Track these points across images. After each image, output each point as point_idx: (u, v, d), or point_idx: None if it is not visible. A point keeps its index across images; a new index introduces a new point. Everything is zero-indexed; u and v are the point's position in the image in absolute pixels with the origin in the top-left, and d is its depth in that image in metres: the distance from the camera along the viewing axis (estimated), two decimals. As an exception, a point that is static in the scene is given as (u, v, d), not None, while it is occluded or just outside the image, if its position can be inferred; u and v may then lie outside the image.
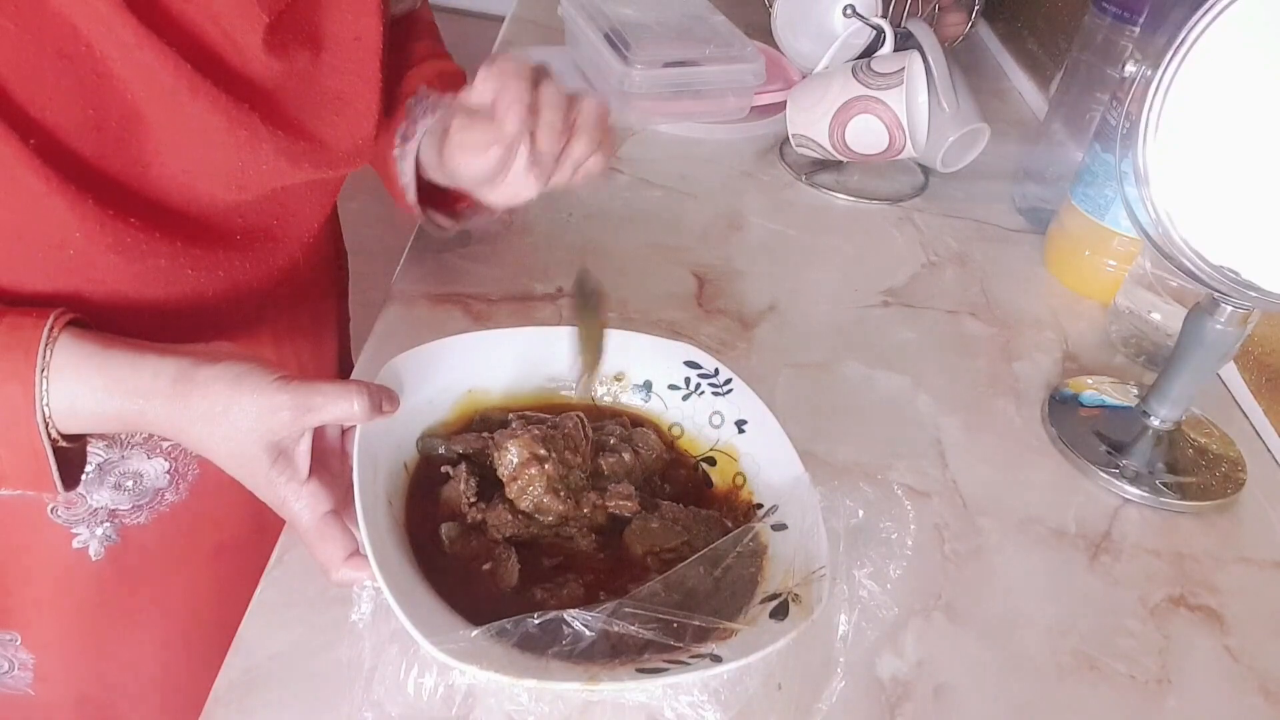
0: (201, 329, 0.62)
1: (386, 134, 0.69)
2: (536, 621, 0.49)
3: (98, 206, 0.51)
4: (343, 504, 0.52)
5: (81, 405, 0.49)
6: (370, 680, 0.51)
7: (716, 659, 0.49)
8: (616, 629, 0.49)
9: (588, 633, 0.49)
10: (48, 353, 0.48)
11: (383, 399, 0.51)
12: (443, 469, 0.61)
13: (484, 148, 0.59)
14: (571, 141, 0.60)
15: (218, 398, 0.48)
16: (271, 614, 0.55)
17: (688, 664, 0.49)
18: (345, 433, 0.56)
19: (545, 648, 0.49)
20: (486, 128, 0.59)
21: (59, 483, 0.51)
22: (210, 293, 0.60)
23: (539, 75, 0.59)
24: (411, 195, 0.70)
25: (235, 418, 0.48)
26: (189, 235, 0.57)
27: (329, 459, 0.54)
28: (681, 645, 0.50)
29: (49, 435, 0.49)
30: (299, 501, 0.51)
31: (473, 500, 0.59)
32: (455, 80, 0.72)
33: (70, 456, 0.53)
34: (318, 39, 0.58)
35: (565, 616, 0.49)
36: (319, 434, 0.53)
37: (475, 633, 0.48)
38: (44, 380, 0.48)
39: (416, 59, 0.73)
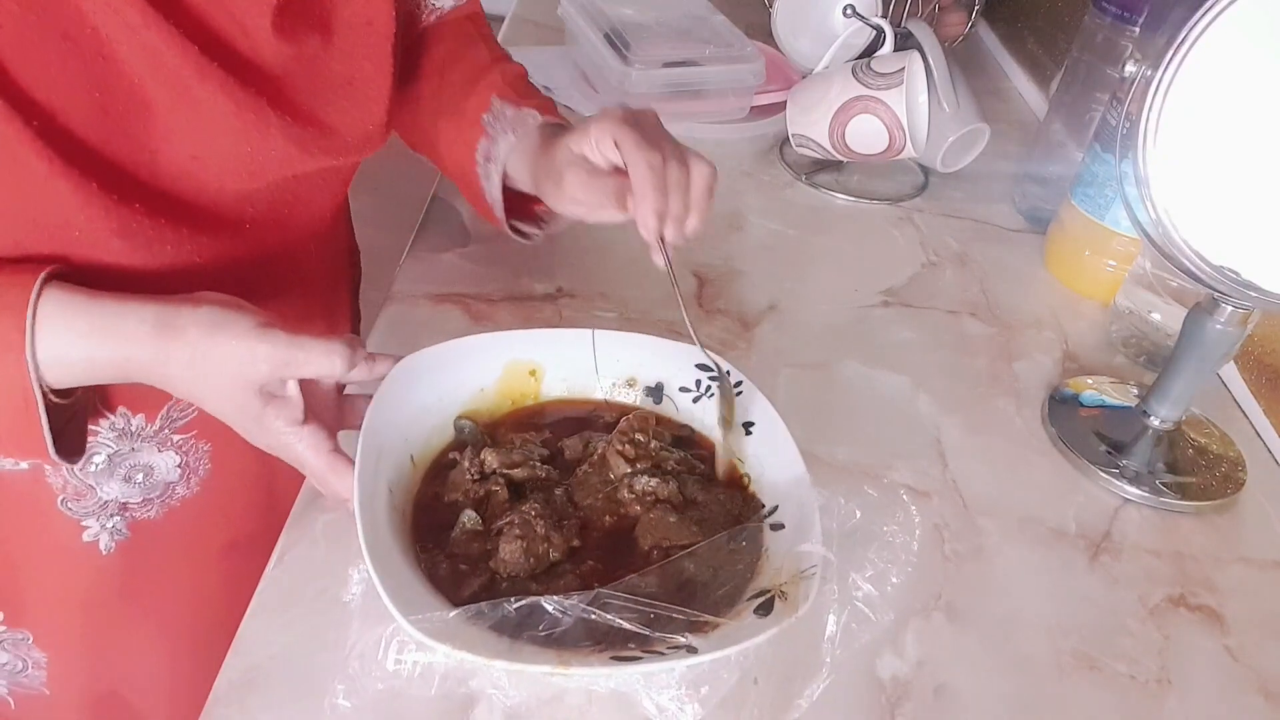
0: None
1: (466, 148, 0.69)
2: (514, 606, 0.50)
3: (101, 191, 0.51)
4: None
5: (69, 354, 0.49)
6: (350, 655, 0.51)
7: (692, 650, 0.49)
8: (594, 617, 0.50)
9: (564, 618, 0.50)
10: (37, 304, 0.48)
11: (365, 358, 0.52)
12: (450, 455, 0.62)
13: (596, 208, 0.62)
14: (686, 213, 0.60)
15: (198, 343, 0.49)
16: (271, 614, 0.55)
17: (663, 654, 0.49)
18: (339, 390, 0.56)
19: (521, 632, 0.50)
20: (603, 189, 0.60)
21: (49, 440, 0.51)
22: (217, 280, 0.60)
23: (656, 140, 0.59)
24: (500, 212, 0.70)
25: (215, 363, 0.49)
26: (197, 222, 0.57)
27: (322, 412, 0.54)
28: (659, 635, 0.50)
29: (40, 387, 0.49)
30: (301, 442, 0.51)
31: (475, 478, 0.60)
32: (521, 83, 0.72)
33: (67, 430, 0.52)
34: (328, 24, 0.58)
35: (542, 602, 0.50)
36: (310, 386, 0.53)
37: (452, 614, 0.49)
38: (32, 329, 0.48)
39: (480, 66, 0.72)
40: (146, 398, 0.63)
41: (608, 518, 0.60)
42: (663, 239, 0.59)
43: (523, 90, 0.71)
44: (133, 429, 0.64)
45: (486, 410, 0.66)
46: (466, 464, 0.60)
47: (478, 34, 0.75)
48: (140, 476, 0.66)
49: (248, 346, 0.48)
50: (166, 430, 0.66)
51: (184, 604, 0.76)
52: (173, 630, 0.76)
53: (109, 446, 0.64)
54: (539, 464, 0.62)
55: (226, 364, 0.49)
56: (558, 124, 0.68)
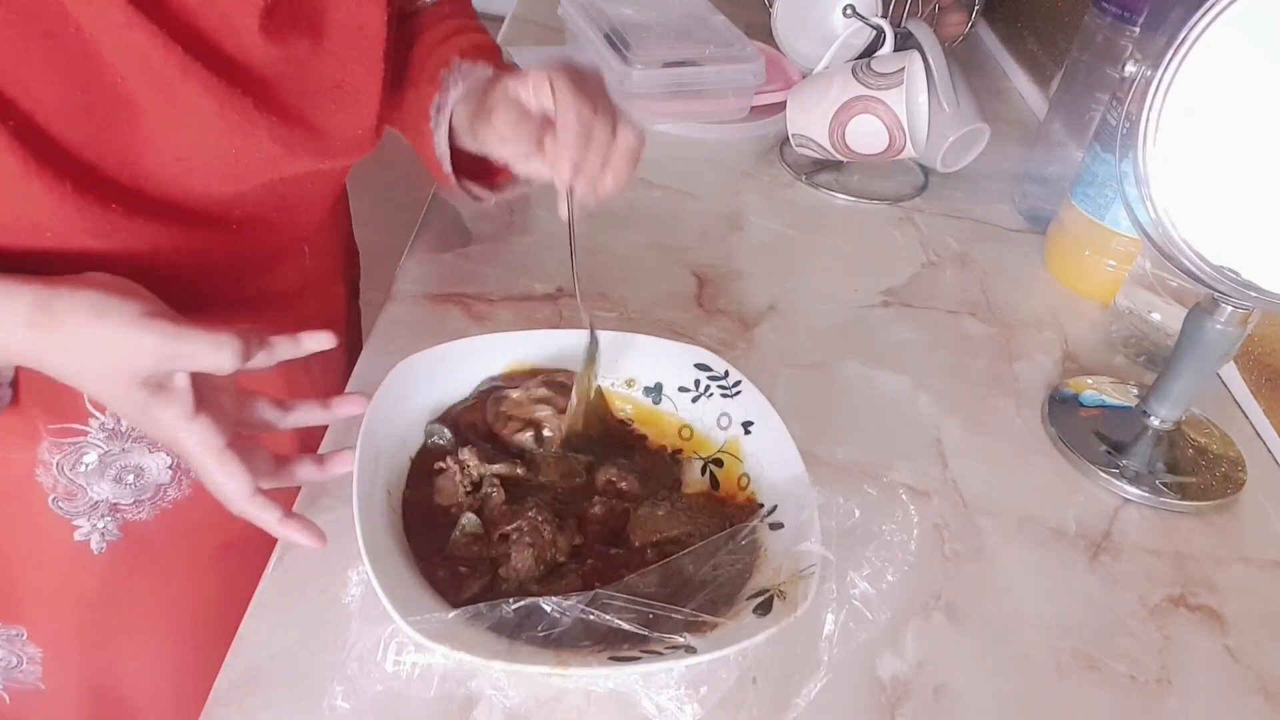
0: (187, 314, 0.62)
1: (422, 105, 0.67)
2: (513, 607, 0.50)
3: (76, 191, 0.50)
4: (250, 441, 0.52)
5: None
6: (349, 657, 0.52)
7: (691, 650, 0.49)
8: (592, 618, 0.50)
9: (563, 619, 0.50)
10: None
11: (257, 351, 0.49)
12: (436, 465, 0.61)
13: (523, 154, 0.59)
14: (602, 173, 0.58)
15: (78, 328, 0.47)
16: (271, 614, 0.55)
17: (662, 654, 0.49)
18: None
19: (519, 633, 0.50)
20: (530, 131, 0.58)
21: None
22: (196, 281, 0.59)
23: (593, 96, 0.58)
24: (447, 166, 0.68)
25: (97, 352, 0.47)
26: (181, 225, 0.56)
27: (218, 395, 0.52)
28: (657, 635, 0.50)
29: None
30: (190, 437, 0.49)
31: (468, 490, 0.60)
32: (489, 53, 0.70)
33: None
34: (319, 26, 0.58)
35: (541, 603, 0.50)
36: (205, 377, 0.51)
37: (451, 615, 0.49)
38: None
39: (449, 32, 0.71)
40: None
41: (599, 509, 0.61)
42: (573, 193, 0.58)
43: (489, 55, 0.69)
44: (122, 429, 0.64)
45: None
46: (459, 475, 0.60)
47: (457, 10, 0.74)
48: (131, 478, 0.66)
49: (130, 336, 0.46)
50: None
51: (179, 604, 0.75)
52: (168, 630, 0.76)
53: (99, 447, 0.64)
54: (518, 462, 0.62)
55: (107, 354, 0.47)
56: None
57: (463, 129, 0.66)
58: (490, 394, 0.66)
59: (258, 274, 0.64)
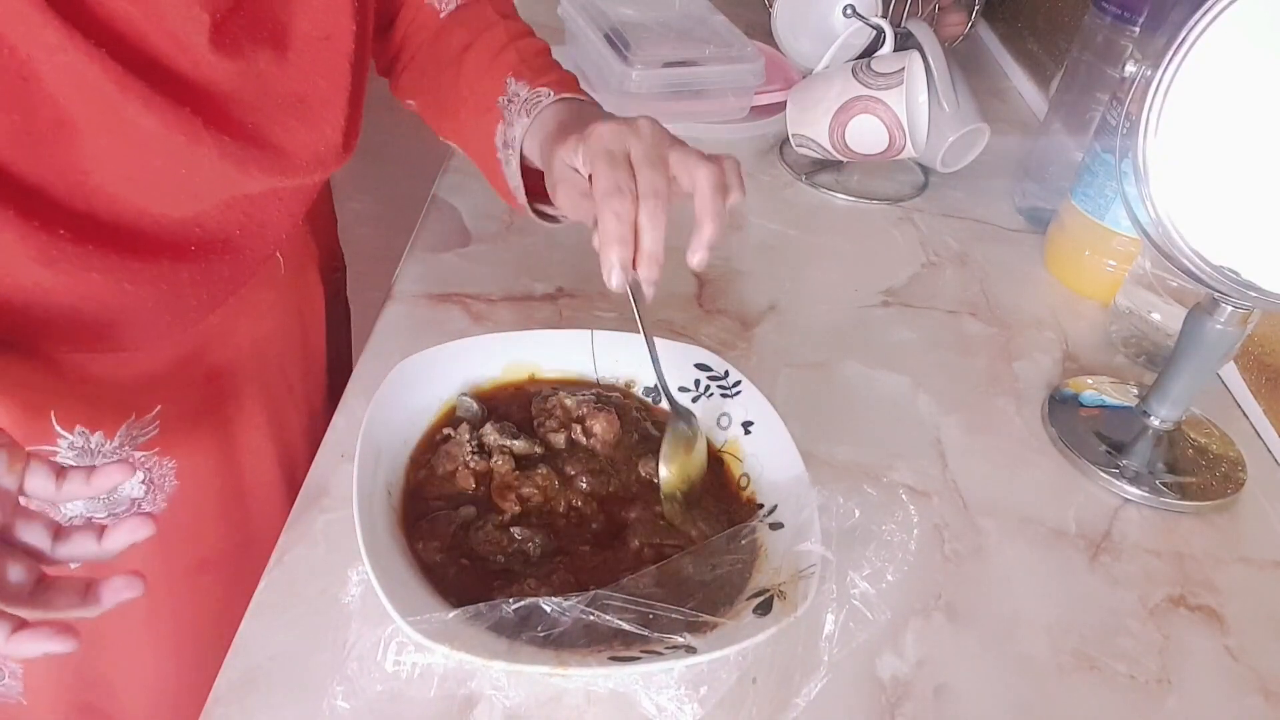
0: (148, 340, 0.60)
1: (486, 135, 0.66)
2: (513, 606, 0.50)
3: (20, 217, 0.49)
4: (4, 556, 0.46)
5: None
6: (348, 657, 0.52)
7: (691, 650, 0.49)
8: (592, 618, 0.50)
9: (563, 619, 0.50)
10: None
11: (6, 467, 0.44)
12: (444, 431, 0.62)
13: (585, 214, 0.58)
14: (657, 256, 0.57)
15: None
16: (271, 614, 0.55)
17: (662, 654, 0.49)
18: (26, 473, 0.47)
19: (519, 633, 0.50)
20: (590, 213, 0.56)
21: None
22: (156, 304, 0.58)
23: (643, 169, 0.56)
24: (522, 198, 0.66)
25: None
26: (134, 248, 0.55)
27: None
28: (657, 635, 0.50)
29: None
30: None
31: (474, 450, 0.60)
32: (538, 60, 0.68)
33: None
34: (281, 38, 0.55)
35: (541, 603, 0.50)
36: None
37: (451, 615, 0.49)
38: None
39: (497, 47, 0.68)
40: (104, 415, 0.61)
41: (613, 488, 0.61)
42: (637, 287, 0.57)
43: (539, 67, 0.67)
44: (92, 446, 0.62)
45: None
46: (466, 438, 0.60)
47: (497, 14, 0.72)
48: (104, 494, 0.64)
49: None
50: (127, 447, 0.64)
51: (160, 622, 0.73)
52: (150, 647, 0.74)
53: (69, 461, 0.61)
54: (536, 441, 0.63)
55: None
56: (574, 99, 0.64)
57: (534, 158, 0.65)
58: (539, 391, 0.67)
59: (223, 292, 0.62)
